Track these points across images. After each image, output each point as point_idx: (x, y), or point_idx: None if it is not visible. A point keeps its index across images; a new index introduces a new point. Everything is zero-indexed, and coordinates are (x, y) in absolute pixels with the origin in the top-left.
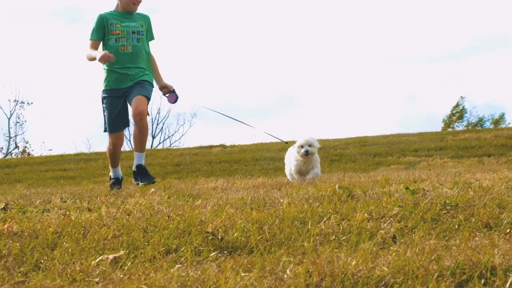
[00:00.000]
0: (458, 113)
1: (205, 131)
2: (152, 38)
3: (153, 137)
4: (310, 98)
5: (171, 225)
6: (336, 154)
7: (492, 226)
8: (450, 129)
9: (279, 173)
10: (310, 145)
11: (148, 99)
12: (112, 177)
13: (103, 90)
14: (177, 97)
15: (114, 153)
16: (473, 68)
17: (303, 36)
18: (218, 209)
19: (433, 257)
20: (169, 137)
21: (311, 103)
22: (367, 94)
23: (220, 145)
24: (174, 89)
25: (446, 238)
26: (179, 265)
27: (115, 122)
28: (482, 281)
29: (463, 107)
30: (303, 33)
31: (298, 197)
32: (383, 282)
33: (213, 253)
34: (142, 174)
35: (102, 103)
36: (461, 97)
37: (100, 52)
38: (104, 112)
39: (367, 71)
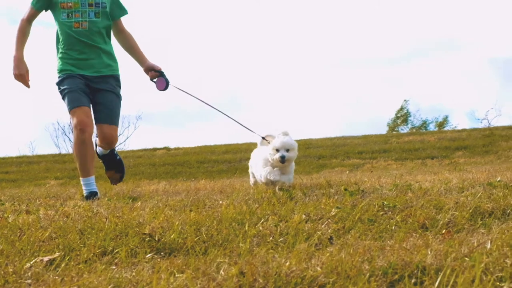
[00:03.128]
0: (403, 116)
1: (150, 134)
2: (123, 12)
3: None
4: (254, 100)
5: (108, 227)
6: None
7: (428, 227)
8: (394, 132)
9: (223, 175)
10: (288, 150)
11: (117, 124)
12: (85, 193)
13: (58, 77)
14: (167, 83)
15: (84, 146)
16: (417, 71)
17: (249, 38)
18: (157, 211)
19: (366, 258)
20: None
21: (255, 105)
22: (312, 97)
23: (164, 148)
24: (162, 72)
25: (382, 238)
26: (114, 267)
27: (79, 96)
28: (413, 280)
29: (407, 110)
30: (249, 34)
31: (237, 199)
32: (316, 282)
33: (149, 255)
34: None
35: (60, 88)
36: (405, 100)
37: (18, 61)
38: (63, 94)
39: (312, 74)
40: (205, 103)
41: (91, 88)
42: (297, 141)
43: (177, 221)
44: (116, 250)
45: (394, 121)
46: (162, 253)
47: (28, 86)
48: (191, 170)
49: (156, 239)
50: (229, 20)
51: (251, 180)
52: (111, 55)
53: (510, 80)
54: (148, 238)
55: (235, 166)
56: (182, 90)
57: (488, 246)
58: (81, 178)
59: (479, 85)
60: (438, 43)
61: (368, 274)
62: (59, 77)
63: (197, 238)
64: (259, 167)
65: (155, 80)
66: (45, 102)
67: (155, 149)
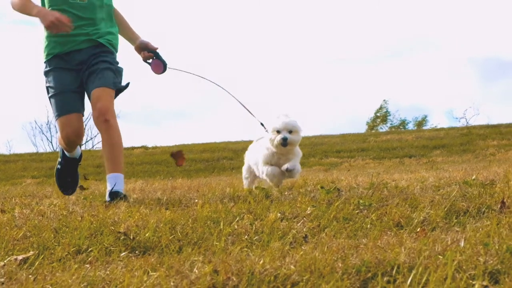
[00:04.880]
0: (382, 115)
1: (128, 133)
2: None
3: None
4: (234, 98)
5: (83, 226)
6: None
7: (403, 225)
8: (373, 131)
9: (200, 174)
10: (290, 131)
11: (116, 87)
12: (61, 160)
13: (44, 63)
14: (165, 65)
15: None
16: (397, 70)
17: (229, 35)
18: (132, 210)
19: (340, 256)
20: (91, 138)
21: (235, 103)
22: (290, 95)
23: (142, 147)
24: (158, 53)
25: (357, 237)
26: (88, 265)
27: (65, 100)
28: (386, 278)
29: (387, 110)
30: (229, 31)
31: (213, 197)
32: (289, 281)
33: (123, 253)
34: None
35: (46, 80)
36: (384, 100)
37: (45, 10)
38: (49, 93)
39: (291, 73)
40: (211, 81)
41: (82, 73)
42: None
43: (152, 219)
44: (90, 249)
45: (373, 120)
46: (136, 252)
47: (69, 28)
48: (168, 169)
49: (131, 237)
50: (212, 15)
51: (245, 183)
52: (112, 28)
53: (489, 79)
54: (123, 237)
55: (212, 165)
56: (183, 71)
57: (462, 244)
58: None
59: (458, 85)
60: (418, 42)
61: (341, 272)
62: (45, 63)
63: (172, 236)
64: (260, 163)
65: (149, 61)
66: (22, 101)
67: (132, 148)
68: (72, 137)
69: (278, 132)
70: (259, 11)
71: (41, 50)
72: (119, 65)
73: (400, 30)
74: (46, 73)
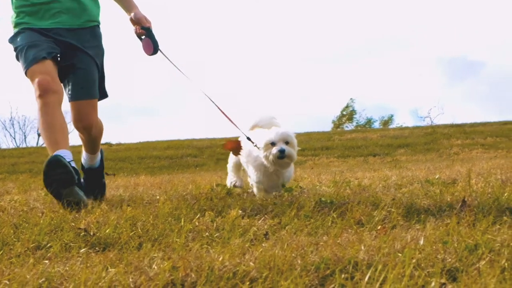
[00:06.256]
0: (348, 114)
1: None
2: None
3: (39, 135)
4: (202, 96)
5: (43, 222)
6: (223, 153)
7: (364, 223)
8: (338, 129)
9: (164, 171)
10: (287, 143)
11: (96, 96)
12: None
13: (14, 33)
14: (156, 47)
15: (49, 109)
16: (365, 70)
17: (198, 33)
18: (93, 206)
19: (299, 253)
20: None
21: (203, 102)
22: (256, 94)
23: (106, 143)
24: (151, 30)
25: (317, 234)
26: (47, 261)
27: (37, 49)
28: (345, 275)
29: (353, 108)
30: (198, 30)
31: (175, 194)
32: (248, 277)
33: (83, 249)
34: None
35: (13, 43)
36: (351, 99)
37: None
38: (18, 52)
39: (257, 71)
40: (192, 81)
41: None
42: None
43: (113, 216)
44: (50, 245)
45: (339, 119)
46: (96, 248)
47: None
48: (132, 166)
49: (91, 234)
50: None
51: (230, 180)
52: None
53: (454, 78)
54: (83, 233)
55: (176, 162)
56: (172, 62)
57: (421, 242)
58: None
59: (425, 84)
60: (386, 42)
61: (300, 269)
62: (14, 33)
63: (133, 233)
64: (251, 168)
65: (142, 38)
66: None
67: None
68: (45, 77)
69: (273, 144)
70: (225, 10)
71: (9, 20)
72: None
73: (368, 29)
74: (14, 38)
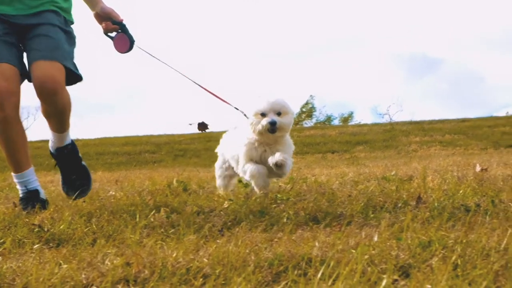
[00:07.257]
0: (308, 111)
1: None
2: None
3: None
4: (163, 93)
5: None
6: (181, 149)
7: (320, 220)
8: (298, 126)
9: (122, 167)
10: (279, 113)
11: (63, 62)
12: (20, 194)
13: None
14: (131, 42)
15: (7, 126)
16: (324, 66)
17: (162, 29)
18: (49, 202)
19: (253, 249)
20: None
21: (164, 98)
22: (215, 89)
23: None
24: (124, 25)
25: (272, 231)
26: (0, 257)
27: None
28: (298, 271)
29: (313, 105)
30: (162, 25)
31: (132, 190)
32: (201, 273)
33: (36, 245)
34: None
35: None
36: (311, 95)
37: None
38: None
39: (217, 67)
40: (177, 70)
41: (20, 35)
42: (197, 134)
43: (68, 212)
44: (3, 240)
45: (299, 115)
46: (50, 244)
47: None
48: (90, 161)
49: (45, 229)
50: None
51: (219, 183)
52: None
53: (413, 75)
54: (37, 229)
55: (134, 158)
56: (151, 55)
57: (375, 239)
58: (13, 174)
59: (384, 81)
60: (347, 39)
61: (253, 265)
62: None
63: (87, 229)
64: (241, 160)
65: (112, 35)
66: None
67: None
68: (0, 82)
69: (263, 115)
70: (185, 5)
71: None
72: None
73: (328, 27)
74: None
